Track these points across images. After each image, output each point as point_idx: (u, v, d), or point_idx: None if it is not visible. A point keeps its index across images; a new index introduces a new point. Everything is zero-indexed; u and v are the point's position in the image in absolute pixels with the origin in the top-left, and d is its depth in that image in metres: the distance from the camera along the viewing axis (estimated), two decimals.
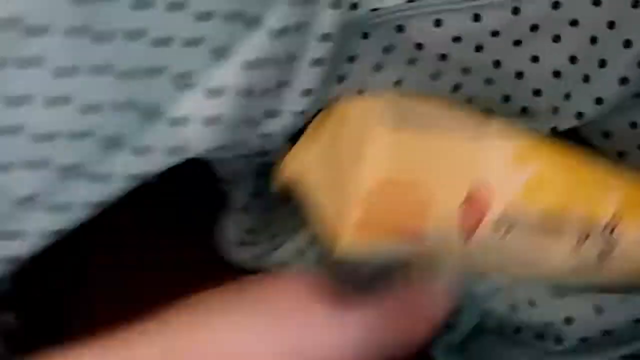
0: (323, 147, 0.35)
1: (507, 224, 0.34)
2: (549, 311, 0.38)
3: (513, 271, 0.35)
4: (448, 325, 0.39)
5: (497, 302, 0.38)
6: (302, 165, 0.35)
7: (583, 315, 0.38)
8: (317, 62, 0.34)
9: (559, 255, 0.34)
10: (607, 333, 0.38)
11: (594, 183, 0.35)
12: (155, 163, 0.30)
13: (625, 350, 0.40)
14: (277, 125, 0.34)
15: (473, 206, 0.34)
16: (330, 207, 0.34)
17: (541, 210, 0.34)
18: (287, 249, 0.39)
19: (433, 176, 0.35)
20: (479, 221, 0.34)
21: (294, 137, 0.37)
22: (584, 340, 0.38)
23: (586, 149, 0.37)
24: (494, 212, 0.34)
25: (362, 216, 0.34)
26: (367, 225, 0.34)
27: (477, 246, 0.34)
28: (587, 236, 0.34)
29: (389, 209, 0.35)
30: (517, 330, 0.39)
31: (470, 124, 0.35)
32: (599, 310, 0.37)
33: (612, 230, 0.34)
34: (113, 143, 0.30)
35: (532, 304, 0.38)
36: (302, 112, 0.34)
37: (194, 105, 0.30)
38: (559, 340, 0.39)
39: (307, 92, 0.34)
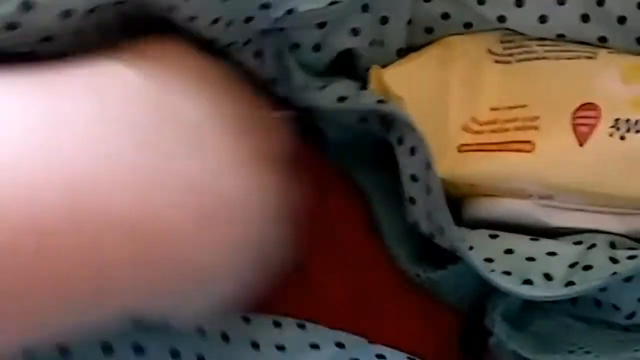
0: (429, 69, 0.37)
1: (622, 129, 0.33)
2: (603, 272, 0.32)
3: (635, 184, 0.33)
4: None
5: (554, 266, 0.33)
6: (404, 81, 0.36)
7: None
8: None
9: None
10: None
11: None
12: None
13: None
14: (305, 6, 0.33)
15: (585, 115, 0.34)
16: (431, 129, 0.35)
17: None
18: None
19: (543, 95, 0.36)
20: (592, 127, 0.33)
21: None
22: None
23: None
24: (606, 120, 0.33)
25: (468, 141, 0.35)
26: (471, 147, 0.35)
27: (593, 151, 0.33)
28: None
29: (495, 130, 0.35)
30: (574, 300, 0.34)
31: (578, 50, 0.36)
32: None
33: None
34: None
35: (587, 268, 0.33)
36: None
37: None
38: (615, 307, 0.34)
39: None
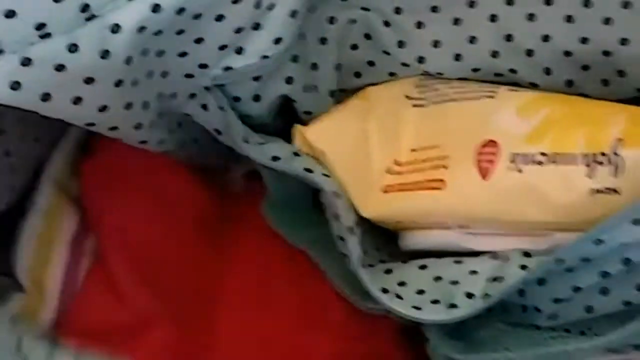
0: (349, 121, 0.41)
1: (519, 163, 0.37)
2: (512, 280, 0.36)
3: (533, 211, 0.37)
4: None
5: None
6: (324, 136, 0.40)
7: (554, 274, 0.36)
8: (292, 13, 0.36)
9: (576, 182, 0.36)
10: (577, 290, 0.36)
11: (597, 114, 0.37)
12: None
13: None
14: (240, 63, 0.37)
15: (487, 152, 0.37)
16: (355, 176, 0.39)
17: (548, 146, 0.36)
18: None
19: (451, 135, 0.40)
20: (493, 163, 0.37)
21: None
22: (557, 301, 0.36)
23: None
24: (505, 155, 0.37)
25: (391, 182, 0.38)
26: (394, 187, 0.38)
27: (495, 185, 0.37)
28: (597, 161, 0.36)
29: (413, 170, 0.38)
30: (505, 307, 0.38)
31: (480, 90, 0.40)
32: (560, 261, 0.35)
33: (618, 152, 0.36)
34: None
35: (500, 280, 0.37)
36: (269, 58, 0.37)
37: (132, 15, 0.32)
38: (537, 309, 0.37)
39: (278, 40, 0.37)
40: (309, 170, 0.39)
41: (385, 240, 0.42)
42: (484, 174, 0.38)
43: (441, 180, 0.38)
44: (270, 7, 0.36)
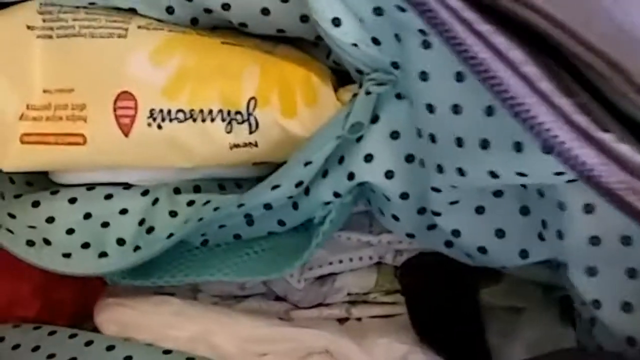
0: None
1: (158, 119, 0.36)
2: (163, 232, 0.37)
3: (177, 160, 0.37)
4: None
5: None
6: None
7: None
8: None
9: (216, 137, 0.36)
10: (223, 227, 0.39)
11: (231, 67, 0.36)
12: None
13: None
14: None
15: (124, 105, 0.36)
16: None
17: (185, 102, 0.36)
18: None
19: (85, 79, 0.37)
20: (132, 119, 0.36)
21: None
22: (204, 235, 0.39)
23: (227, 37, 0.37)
24: (143, 111, 0.36)
25: (28, 131, 0.36)
26: (32, 137, 0.36)
27: (137, 141, 0.36)
28: (234, 118, 0.36)
29: (50, 117, 0.36)
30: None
31: (111, 27, 0.37)
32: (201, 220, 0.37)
33: (252, 111, 0.36)
34: None
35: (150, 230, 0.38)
36: None
37: None
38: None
39: None
40: None
41: None
42: (125, 130, 0.36)
43: (81, 135, 0.37)
44: None
